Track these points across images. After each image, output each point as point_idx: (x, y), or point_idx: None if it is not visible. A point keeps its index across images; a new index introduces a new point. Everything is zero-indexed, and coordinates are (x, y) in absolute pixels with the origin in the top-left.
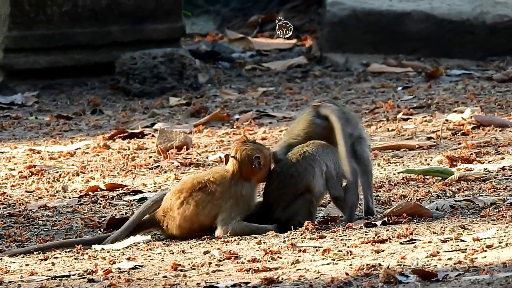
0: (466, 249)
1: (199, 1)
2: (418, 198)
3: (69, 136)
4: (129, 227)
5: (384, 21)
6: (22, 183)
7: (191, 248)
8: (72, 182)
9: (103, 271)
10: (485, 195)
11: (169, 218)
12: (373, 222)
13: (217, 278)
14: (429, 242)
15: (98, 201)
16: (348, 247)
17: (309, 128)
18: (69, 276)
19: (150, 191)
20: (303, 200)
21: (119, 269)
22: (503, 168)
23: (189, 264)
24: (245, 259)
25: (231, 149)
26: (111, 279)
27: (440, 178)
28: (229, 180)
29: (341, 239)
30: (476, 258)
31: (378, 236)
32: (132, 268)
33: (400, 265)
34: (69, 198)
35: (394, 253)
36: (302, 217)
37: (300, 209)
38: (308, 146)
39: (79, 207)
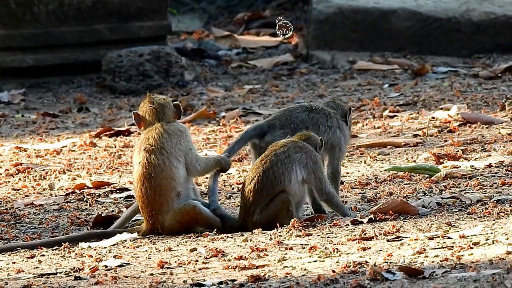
0: (452, 246)
1: None
2: (404, 195)
3: (55, 134)
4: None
5: (370, 18)
6: (9, 181)
7: (178, 245)
8: (59, 180)
9: (90, 269)
10: (472, 192)
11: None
12: (360, 220)
13: (204, 276)
14: (415, 239)
15: (85, 199)
16: (335, 244)
17: None
18: (55, 273)
19: None
20: (280, 200)
21: (106, 266)
22: (490, 165)
23: (175, 261)
24: (231, 256)
25: (144, 104)
26: (98, 276)
27: (426, 175)
28: (161, 129)
29: (328, 237)
30: (462, 255)
31: (365, 234)
32: (119, 266)
33: (387, 262)
34: (56, 196)
35: (381, 250)
36: (282, 219)
37: (279, 211)
38: (288, 149)
39: (66, 205)
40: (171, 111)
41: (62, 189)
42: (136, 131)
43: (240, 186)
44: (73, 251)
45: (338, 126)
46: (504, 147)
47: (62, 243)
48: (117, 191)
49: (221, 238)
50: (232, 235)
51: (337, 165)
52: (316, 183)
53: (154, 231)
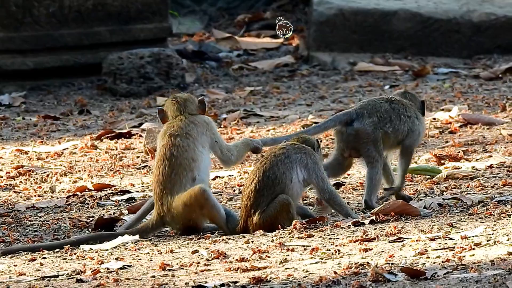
0: (454, 247)
1: (186, 0)
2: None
3: (56, 137)
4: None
5: (371, 20)
6: (10, 184)
7: (179, 247)
8: (60, 183)
9: (92, 271)
10: (473, 193)
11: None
12: (361, 221)
13: (206, 278)
14: (417, 240)
15: (86, 201)
16: (337, 246)
17: None
18: (57, 276)
19: (137, 191)
20: (279, 203)
21: (108, 269)
22: (491, 166)
23: (177, 263)
24: (233, 258)
25: (167, 99)
26: (100, 279)
27: (427, 176)
28: (187, 120)
29: (329, 238)
30: (464, 256)
31: (366, 235)
32: (121, 268)
33: (389, 263)
34: (57, 198)
35: (383, 251)
36: (283, 221)
37: (279, 213)
38: (288, 150)
39: (67, 207)
40: (194, 105)
41: (63, 192)
42: (137, 133)
43: (242, 188)
44: (75, 254)
45: (416, 116)
46: (505, 148)
47: (79, 244)
48: (119, 194)
49: (223, 240)
50: (233, 237)
51: (412, 144)
52: (317, 183)
53: (161, 215)
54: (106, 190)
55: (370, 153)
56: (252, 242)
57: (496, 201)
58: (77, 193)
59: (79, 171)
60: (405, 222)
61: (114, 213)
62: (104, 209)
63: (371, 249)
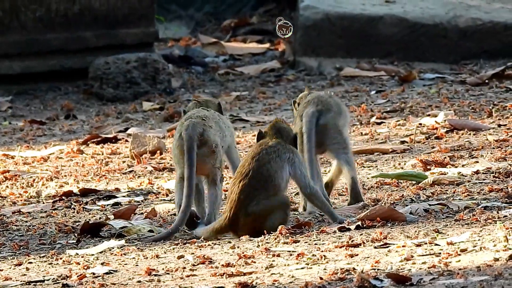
0: (440, 253)
1: (172, 6)
2: (392, 202)
3: (42, 141)
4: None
5: (357, 25)
6: None
7: (165, 252)
8: (46, 187)
9: (78, 276)
10: (459, 199)
11: None
12: (347, 226)
13: (191, 283)
14: (403, 246)
15: (72, 206)
16: (322, 251)
17: None
18: (43, 281)
19: (123, 196)
20: (279, 201)
21: (93, 274)
22: (477, 172)
23: (163, 268)
24: (219, 263)
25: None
26: (85, 284)
27: (414, 182)
28: None
29: (315, 244)
30: (450, 262)
31: (352, 240)
32: (106, 273)
33: (374, 269)
34: (43, 203)
35: (368, 257)
36: (276, 218)
37: (276, 208)
38: (278, 149)
39: (53, 212)
40: (214, 107)
41: (49, 196)
42: (123, 138)
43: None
44: (61, 258)
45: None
46: (491, 153)
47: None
48: (105, 198)
49: (209, 245)
50: (219, 242)
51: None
52: (300, 178)
53: None
54: (92, 195)
55: (340, 140)
56: (238, 247)
57: (482, 207)
58: (63, 197)
59: (65, 175)
60: (391, 228)
61: (100, 218)
62: (90, 213)
63: (357, 255)
